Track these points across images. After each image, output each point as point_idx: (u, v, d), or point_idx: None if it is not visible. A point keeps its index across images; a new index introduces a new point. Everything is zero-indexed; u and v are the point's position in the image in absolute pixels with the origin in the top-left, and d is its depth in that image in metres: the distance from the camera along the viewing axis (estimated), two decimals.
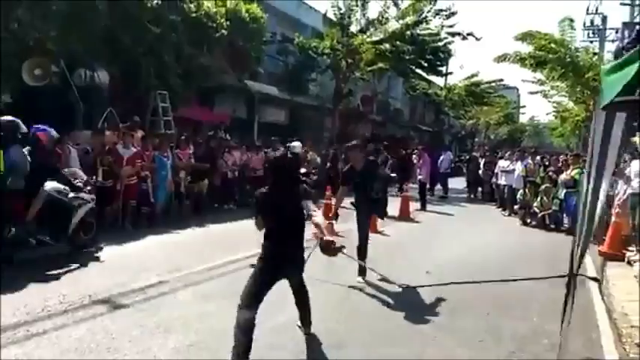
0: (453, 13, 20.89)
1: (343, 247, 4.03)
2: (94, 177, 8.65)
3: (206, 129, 16.79)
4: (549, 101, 29.45)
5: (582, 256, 3.57)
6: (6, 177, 6.50)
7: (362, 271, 6.63)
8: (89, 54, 11.27)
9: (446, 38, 22.99)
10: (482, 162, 19.15)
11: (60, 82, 11.06)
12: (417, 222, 12.39)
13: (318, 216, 4.03)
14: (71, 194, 7.22)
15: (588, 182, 3.57)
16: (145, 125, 12.51)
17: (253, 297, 3.97)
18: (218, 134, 15.54)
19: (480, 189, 18.93)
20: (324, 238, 3.91)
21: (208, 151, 12.78)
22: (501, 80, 31.64)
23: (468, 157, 26.27)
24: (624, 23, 18.93)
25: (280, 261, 4.08)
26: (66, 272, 6.44)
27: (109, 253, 7.64)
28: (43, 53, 10.26)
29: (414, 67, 24.07)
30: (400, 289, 6.26)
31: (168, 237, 9.11)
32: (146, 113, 13.05)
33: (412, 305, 5.70)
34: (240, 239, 9.11)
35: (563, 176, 12.32)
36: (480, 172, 18.58)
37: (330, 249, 3.92)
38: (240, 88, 18.87)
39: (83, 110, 11.14)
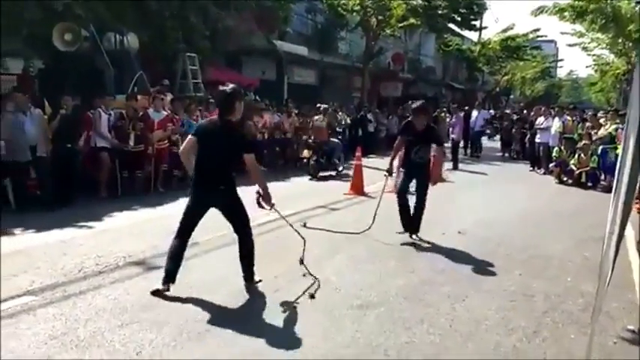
0: None
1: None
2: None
3: None
4: (589, 54, 28.33)
5: (627, 216, 3.40)
6: None
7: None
8: (117, 18, 11.25)
9: None
10: (515, 119, 18.72)
11: (90, 47, 11.11)
12: (449, 182, 12.21)
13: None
14: None
15: (628, 140, 3.36)
16: (175, 88, 12.54)
17: None
18: (247, 96, 15.50)
19: (513, 147, 18.55)
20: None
21: None
22: (538, 30, 30.41)
23: (500, 114, 25.64)
24: None
25: None
26: (101, 234, 6.62)
27: (141, 216, 7.80)
28: (72, 18, 10.28)
29: (446, 23, 23.41)
30: (428, 251, 6.29)
31: None
32: (175, 77, 13.08)
33: (441, 266, 5.65)
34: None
35: (601, 132, 11.93)
36: (513, 130, 18.18)
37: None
38: (268, 49, 18.67)
39: (113, 75, 11.19)
